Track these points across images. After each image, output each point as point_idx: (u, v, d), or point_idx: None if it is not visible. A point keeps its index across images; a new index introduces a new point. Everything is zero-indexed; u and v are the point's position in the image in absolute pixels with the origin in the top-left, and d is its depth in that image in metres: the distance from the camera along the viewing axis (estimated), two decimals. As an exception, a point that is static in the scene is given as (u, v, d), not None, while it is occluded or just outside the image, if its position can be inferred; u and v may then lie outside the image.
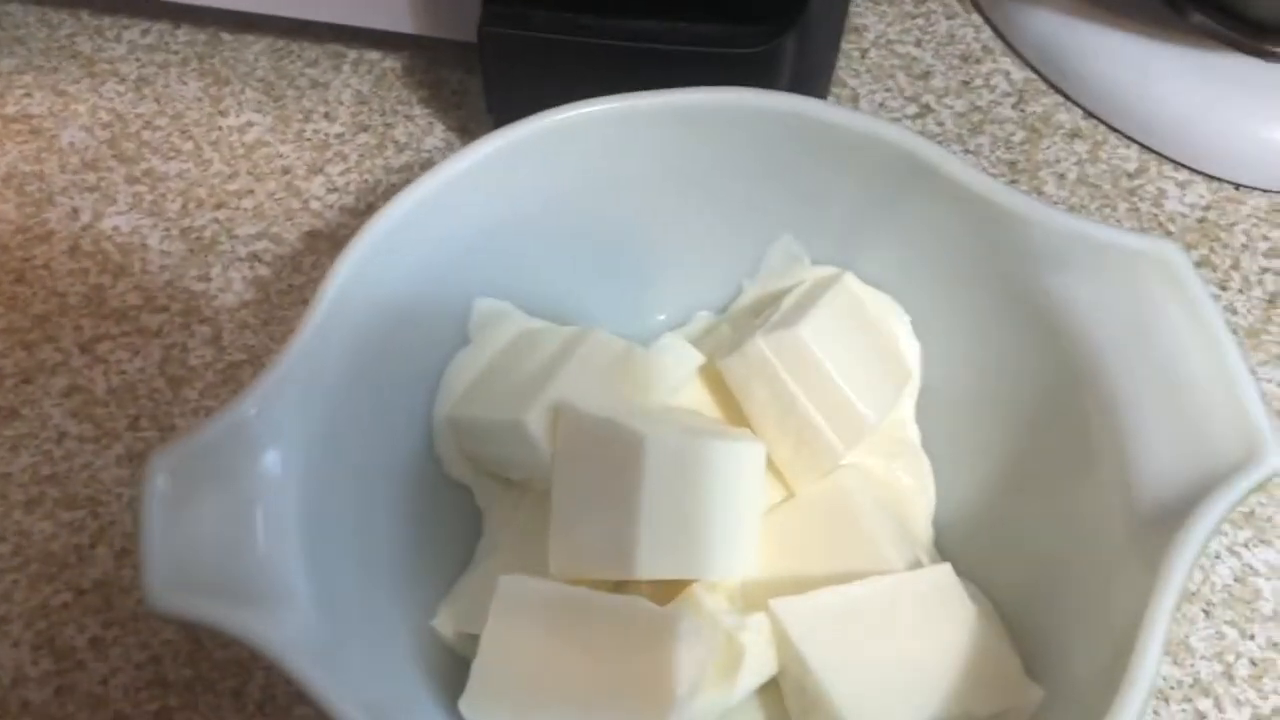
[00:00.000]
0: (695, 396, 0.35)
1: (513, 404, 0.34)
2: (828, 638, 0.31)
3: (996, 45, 0.50)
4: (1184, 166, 0.46)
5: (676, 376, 0.35)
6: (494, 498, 0.36)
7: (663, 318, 0.38)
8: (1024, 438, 0.34)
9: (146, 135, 0.47)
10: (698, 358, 0.35)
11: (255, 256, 0.44)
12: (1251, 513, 0.38)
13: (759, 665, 0.31)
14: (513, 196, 0.35)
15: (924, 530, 0.35)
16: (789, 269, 0.37)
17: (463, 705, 0.30)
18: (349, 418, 0.32)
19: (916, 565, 0.33)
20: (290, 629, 0.27)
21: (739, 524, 0.32)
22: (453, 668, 0.33)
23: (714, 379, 0.35)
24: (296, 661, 0.26)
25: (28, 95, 0.49)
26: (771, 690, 0.32)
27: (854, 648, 0.31)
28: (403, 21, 0.46)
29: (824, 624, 0.31)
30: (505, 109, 0.43)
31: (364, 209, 0.45)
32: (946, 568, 0.32)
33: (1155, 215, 0.45)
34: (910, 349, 0.36)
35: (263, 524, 0.28)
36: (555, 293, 0.37)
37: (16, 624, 0.37)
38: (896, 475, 0.36)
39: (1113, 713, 0.26)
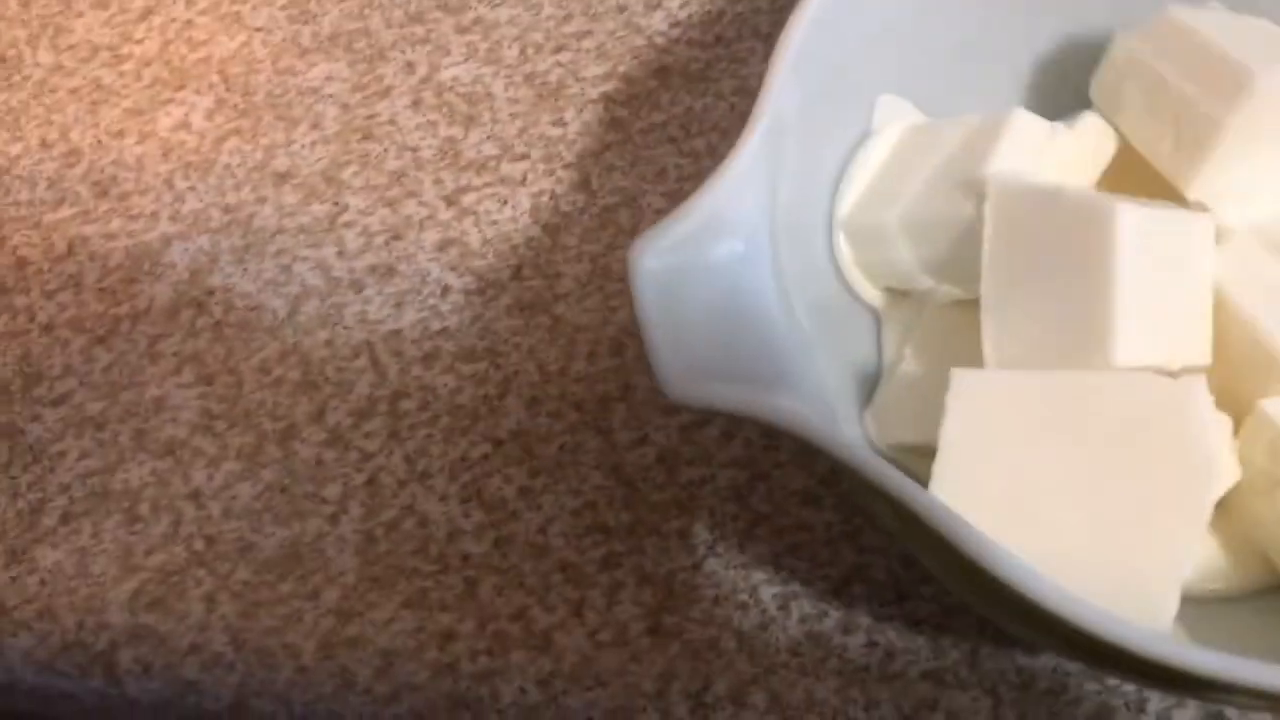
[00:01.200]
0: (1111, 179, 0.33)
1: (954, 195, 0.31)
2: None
3: None
4: None
5: (1102, 155, 0.32)
6: (890, 312, 0.34)
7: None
8: None
9: (468, -17, 0.45)
10: (1118, 137, 0.33)
11: (608, 97, 0.42)
12: None
13: (1228, 470, 0.28)
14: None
15: None
16: None
17: None
18: (781, 216, 0.30)
19: None
20: (811, 411, 0.25)
21: (1201, 305, 0.29)
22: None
23: (1128, 161, 0.32)
24: (840, 440, 0.24)
25: (336, -47, 0.47)
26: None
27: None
28: None
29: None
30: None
31: (712, 41, 0.43)
32: None
33: None
34: None
35: (752, 310, 0.27)
36: (949, 91, 0.35)
37: (440, 478, 0.36)
38: None
39: None
